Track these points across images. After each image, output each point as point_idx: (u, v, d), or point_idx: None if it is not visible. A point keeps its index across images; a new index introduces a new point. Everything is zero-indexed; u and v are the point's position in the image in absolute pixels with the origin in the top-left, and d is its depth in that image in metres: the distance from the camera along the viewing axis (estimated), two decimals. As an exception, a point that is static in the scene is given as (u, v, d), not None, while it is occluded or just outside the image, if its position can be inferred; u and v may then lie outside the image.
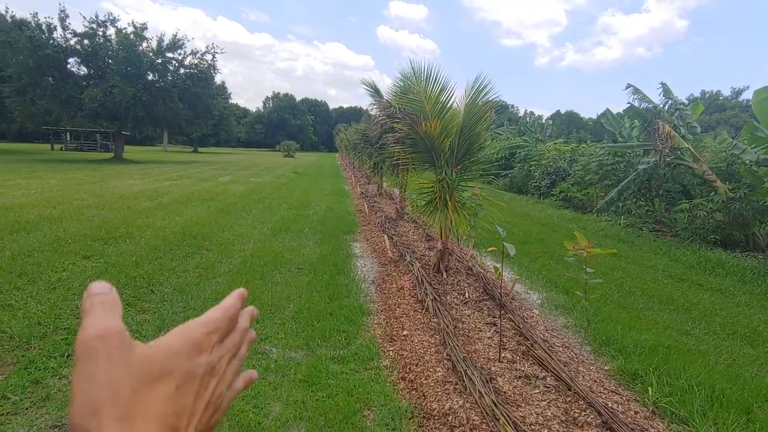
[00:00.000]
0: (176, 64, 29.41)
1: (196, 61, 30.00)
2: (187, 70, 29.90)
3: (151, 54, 27.95)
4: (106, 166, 22.49)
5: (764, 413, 3.07)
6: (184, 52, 29.44)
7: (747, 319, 5.02)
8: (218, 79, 36.25)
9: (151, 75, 28.51)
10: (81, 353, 0.32)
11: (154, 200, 11.00)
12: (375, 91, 7.77)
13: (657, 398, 3.15)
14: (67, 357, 3.34)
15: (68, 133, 44.86)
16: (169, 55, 28.87)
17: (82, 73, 27.38)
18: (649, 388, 3.24)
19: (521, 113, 73.60)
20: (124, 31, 27.10)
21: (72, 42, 26.02)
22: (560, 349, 3.99)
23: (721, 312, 5.23)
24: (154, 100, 27.76)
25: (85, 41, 26.03)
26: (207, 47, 30.94)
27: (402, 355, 3.74)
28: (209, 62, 30.53)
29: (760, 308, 5.48)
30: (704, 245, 8.81)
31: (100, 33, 26.47)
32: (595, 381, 3.43)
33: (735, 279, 6.73)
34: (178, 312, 4.24)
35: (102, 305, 0.35)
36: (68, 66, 26.67)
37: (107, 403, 0.31)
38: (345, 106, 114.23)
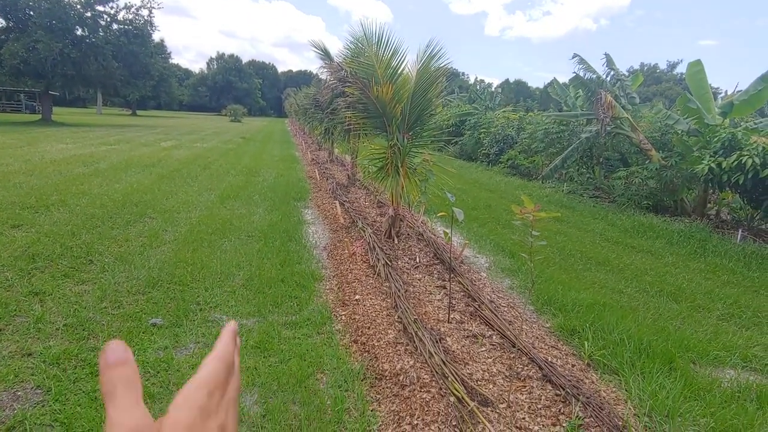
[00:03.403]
0: (108, 19, 27.18)
1: (130, 17, 27.89)
2: (121, 26, 27.74)
3: (78, 6, 25.61)
4: (33, 129, 20.77)
5: (684, 362, 3.38)
6: (117, 6, 27.26)
7: (673, 278, 5.45)
8: (156, 36, 33.97)
9: (80, 30, 26.19)
10: None
11: (90, 166, 10.33)
12: (325, 54, 7.54)
13: (592, 352, 3.38)
14: (-2, 332, 3.14)
15: (-13, 93, 40.85)
16: (100, 8, 26.58)
17: (0, 25, 24.79)
18: (585, 343, 3.47)
19: (471, 81, 74.12)
20: (46, -21, 24.59)
21: (-15, -10, 23.40)
22: (506, 309, 4.17)
23: (651, 272, 5.64)
24: (85, 58, 25.61)
25: (2, -11, 23.47)
26: (142, 1, 28.68)
27: (354, 319, 3.79)
28: (146, 18, 28.48)
29: (685, 267, 5.95)
30: (638, 210, 9.38)
31: (19, -19, 23.91)
32: (537, 338, 3.64)
33: (664, 241, 7.25)
34: (120, 282, 4.06)
35: (125, 387, 0.34)
36: (-17, 17, 24.07)
37: None
38: (294, 69, 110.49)
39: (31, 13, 24.19)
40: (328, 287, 4.47)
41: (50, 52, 23.35)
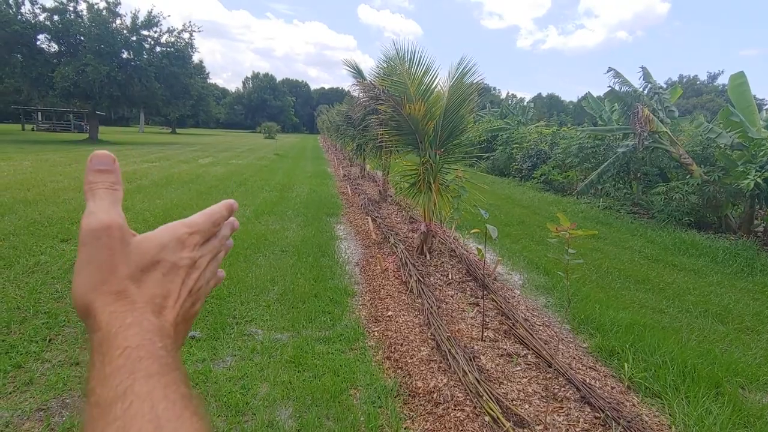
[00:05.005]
0: (152, 42, 28.56)
1: (172, 40, 29.19)
2: (164, 49, 29.07)
3: (125, 31, 27.06)
4: (81, 148, 21.87)
5: (733, 387, 3.23)
6: (160, 30, 28.63)
7: (718, 298, 5.21)
8: (196, 58, 35.30)
9: (125, 53, 27.65)
10: (86, 240, 0.37)
11: (133, 183, 10.78)
12: (357, 72, 7.70)
13: (632, 374, 3.27)
14: (48, 341, 3.30)
15: (40, 113, 43.33)
16: (144, 32, 28.00)
17: (53, 50, 26.40)
18: (625, 364, 3.36)
19: (503, 96, 73.75)
20: (96, 6, 26.11)
21: (41, 18, 24.99)
22: (541, 327, 4.09)
23: (694, 291, 5.41)
24: (130, 79, 26.96)
25: (55, 17, 25.01)
26: (184, 25, 30.20)
27: (387, 335, 3.79)
28: (186, 41, 29.78)
29: (731, 287, 5.69)
30: (679, 227, 9.05)
31: (71, 8, 25.46)
32: (574, 358, 3.54)
33: (707, 259, 6.96)
34: (161, 295, 4.20)
35: (107, 190, 0.39)
36: (38, 43, 25.67)
37: (106, 282, 0.36)
38: (327, 87, 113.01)
39: (82, 38, 25.66)
40: (360, 303, 4.49)
41: (98, 74, 24.66)
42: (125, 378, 0.31)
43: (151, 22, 27.87)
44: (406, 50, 6.01)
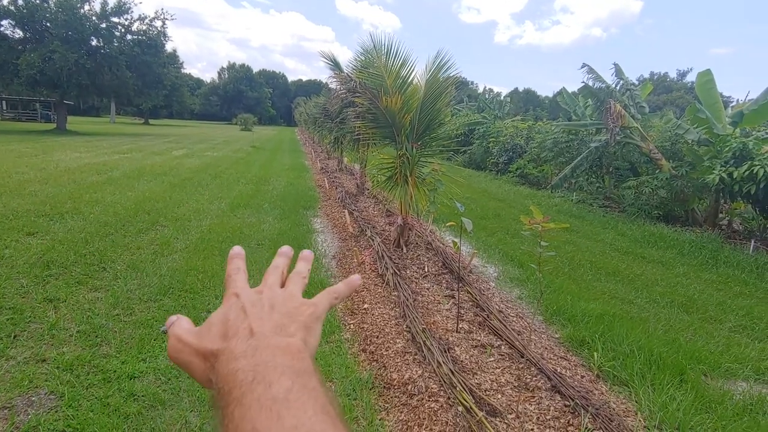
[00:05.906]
0: (122, 30, 27.71)
1: (144, 27, 28.40)
2: (135, 37, 28.26)
3: (94, 18, 26.16)
4: (48, 138, 21.14)
5: (696, 373, 3.35)
6: (131, 17, 27.79)
7: (684, 288, 5.40)
8: (169, 47, 34.37)
9: (95, 40, 26.75)
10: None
11: (103, 174, 10.49)
12: (335, 65, 7.63)
13: (602, 363, 3.36)
14: (14, 338, 3.20)
15: (4, 102, 41.68)
16: (115, 19, 27.13)
17: (17, 36, 25.35)
18: (595, 354, 3.46)
19: (480, 90, 74.15)
20: (63, -9, 25.16)
21: (4, 2, 23.97)
22: (514, 319, 4.17)
23: (662, 282, 5.59)
24: (99, 68, 26.12)
25: (20, 2, 24.01)
26: (156, 13, 29.29)
27: (363, 327, 3.80)
28: (159, 29, 29.00)
29: (696, 278, 5.90)
30: (648, 220, 9.32)
31: (36, -7, 24.47)
32: (546, 348, 3.62)
33: (675, 252, 7.19)
34: (132, 290, 4.12)
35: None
36: (1, 29, 24.64)
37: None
38: (304, 78, 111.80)
39: (48, 24, 24.72)
40: (336, 296, 4.48)
41: (66, 62, 23.81)
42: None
43: (121, 8, 27.01)
44: (383, 43, 5.98)
